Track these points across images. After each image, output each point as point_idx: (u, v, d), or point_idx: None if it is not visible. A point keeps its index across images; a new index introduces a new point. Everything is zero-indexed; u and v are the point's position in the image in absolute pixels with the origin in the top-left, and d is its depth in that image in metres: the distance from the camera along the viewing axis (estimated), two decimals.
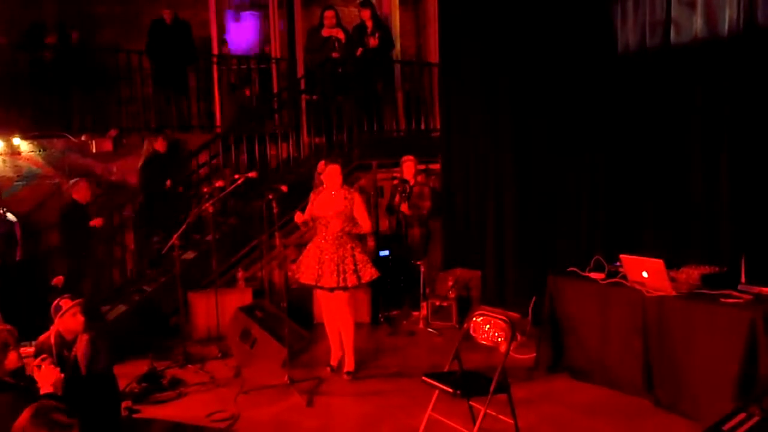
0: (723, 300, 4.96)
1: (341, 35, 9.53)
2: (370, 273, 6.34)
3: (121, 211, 8.24)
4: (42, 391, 4.28)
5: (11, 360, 4.31)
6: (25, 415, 3.14)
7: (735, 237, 5.62)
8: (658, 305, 5.23)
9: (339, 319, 6.44)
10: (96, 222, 7.74)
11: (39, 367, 4.45)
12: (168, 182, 8.59)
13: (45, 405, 3.25)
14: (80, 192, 7.79)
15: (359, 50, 9.48)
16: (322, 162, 6.64)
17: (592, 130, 6.85)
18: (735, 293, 5.01)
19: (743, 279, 5.16)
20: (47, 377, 4.30)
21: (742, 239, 5.50)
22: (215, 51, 10.60)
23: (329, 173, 6.34)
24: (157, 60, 9.80)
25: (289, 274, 6.86)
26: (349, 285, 6.25)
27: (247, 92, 10.67)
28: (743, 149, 5.62)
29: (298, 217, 6.44)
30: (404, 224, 8.20)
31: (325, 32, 9.52)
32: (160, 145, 8.73)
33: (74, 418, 3.16)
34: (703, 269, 5.36)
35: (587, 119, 6.88)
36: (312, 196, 6.51)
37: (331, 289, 6.26)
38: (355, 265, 6.25)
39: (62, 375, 4.40)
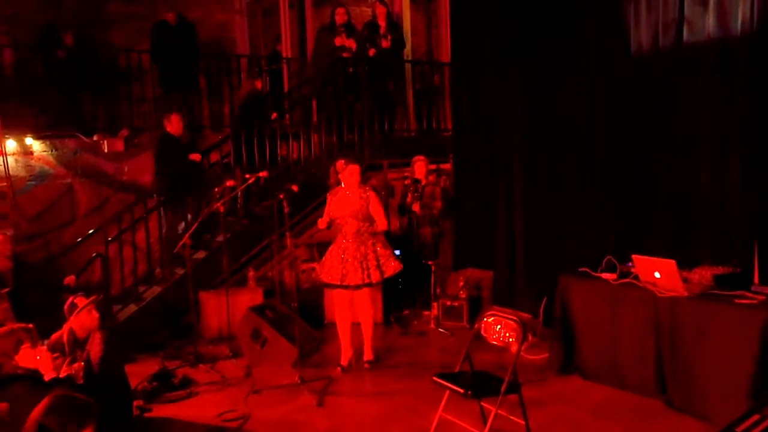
0: (736, 301, 4.92)
1: (353, 45, 9.51)
2: (393, 267, 6.44)
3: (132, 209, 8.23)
4: (46, 378, 4.31)
5: (23, 357, 4.34)
6: (45, 401, 3.17)
7: (748, 237, 5.57)
8: (671, 306, 5.20)
9: (360, 314, 6.53)
10: (195, 156, 8.20)
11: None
12: (274, 115, 8.86)
13: (62, 393, 3.29)
14: (173, 125, 8.23)
15: (371, 51, 9.47)
16: (342, 161, 6.69)
17: (604, 130, 6.82)
18: (748, 294, 4.97)
19: (756, 280, 5.13)
20: (45, 364, 4.33)
21: (754, 240, 5.46)
22: (240, 51, 10.65)
23: (349, 173, 6.41)
24: (163, 61, 9.84)
25: (313, 275, 6.91)
26: (374, 281, 6.36)
27: None
28: (756, 149, 5.58)
29: (322, 223, 6.54)
30: (416, 224, 8.19)
31: (337, 41, 9.51)
32: (260, 84, 8.96)
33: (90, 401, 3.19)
34: (716, 270, 5.33)
35: (599, 119, 6.85)
36: (329, 196, 6.58)
37: (357, 287, 6.32)
38: (378, 260, 6.35)
39: (81, 363, 4.44)
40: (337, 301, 6.59)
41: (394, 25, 9.81)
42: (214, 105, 10.65)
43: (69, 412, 3.12)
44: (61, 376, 4.40)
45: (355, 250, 6.35)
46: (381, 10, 9.60)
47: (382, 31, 9.57)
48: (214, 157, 8.98)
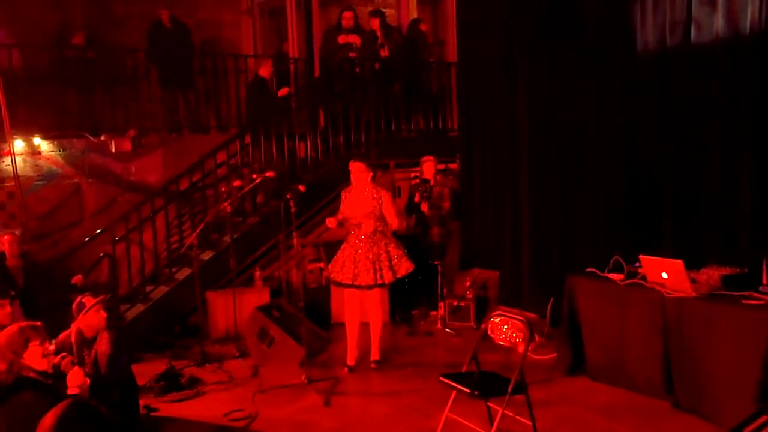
0: (744, 301, 4.91)
1: (358, 40, 9.53)
2: (405, 267, 6.45)
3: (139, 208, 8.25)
4: (69, 392, 4.32)
5: (32, 355, 4.34)
6: (57, 409, 3.15)
7: (756, 237, 5.56)
8: (678, 306, 5.19)
9: (369, 314, 6.54)
10: (282, 91, 9.16)
11: (58, 364, 4.50)
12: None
13: (76, 401, 3.28)
14: (266, 68, 9.16)
15: (377, 65, 9.51)
16: (351, 161, 6.72)
17: (611, 130, 6.81)
18: (756, 294, 4.95)
19: (764, 280, 5.09)
20: (74, 379, 4.34)
21: (762, 240, 5.44)
22: (246, 51, 10.68)
23: (354, 171, 6.45)
24: (160, 62, 9.88)
25: (325, 274, 6.93)
26: (386, 281, 6.37)
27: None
28: (764, 149, 5.56)
29: (331, 222, 6.53)
30: (425, 224, 8.19)
31: (341, 39, 9.53)
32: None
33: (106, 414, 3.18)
34: (724, 270, 5.30)
35: (606, 118, 6.84)
36: (343, 194, 6.62)
37: (369, 287, 6.34)
38: (390, 261, 6.36)
39: (88, 380, 4.44)
40: (347, 301, 6.60)
41: (391, 30, 9.83)
42: (221, 106, 10.65)
43: (83, 424, 3.10)
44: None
45: (367, 250, 6.37)
46: (375, 22, 9.66)
47: (379, 41, 9.59)
48: (221, 157, 8.96)
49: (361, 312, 6.60)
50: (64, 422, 3.03)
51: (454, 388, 4.66)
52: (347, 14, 9.67)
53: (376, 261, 6.34)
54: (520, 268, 7.96)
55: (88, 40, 9.52)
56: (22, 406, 3.96)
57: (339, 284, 6.60)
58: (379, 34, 9.63)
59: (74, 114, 9.29)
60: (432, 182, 8.20)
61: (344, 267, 6.43)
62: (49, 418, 3.05)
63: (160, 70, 10.00)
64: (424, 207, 8.06)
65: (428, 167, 8.25)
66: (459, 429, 4.90)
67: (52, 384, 4.30)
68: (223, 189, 7.81)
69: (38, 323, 4.49)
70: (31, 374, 4.28)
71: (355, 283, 6.38)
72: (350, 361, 6.61)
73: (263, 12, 11.74)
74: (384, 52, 9.54)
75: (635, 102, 6.55)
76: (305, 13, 10.49)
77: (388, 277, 6.36)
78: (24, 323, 4.50)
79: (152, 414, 5.68)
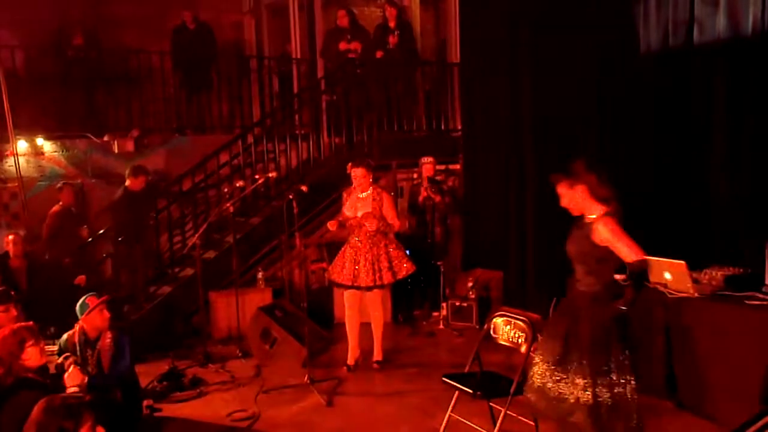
0: (747, 302, 4.91)
1: (359, 47, 9.54)
2: (405, 268, 6.45)
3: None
4: (68, 391, 4.32)
5: (30, 356, 4.34)
6: (38, 407, 3.16)
7: (758, 238, 5.54)
8: (681, 307, 5.18)
9: (372, 315, 6.55)
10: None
11: (62, 365, 4.50)
12: None
13: (55, 396, 3.29)
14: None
15: (379, 53, 9.48)
16: (350, 164, 6.72)
17: (613, 130, 6.81)
18: (759, 295, 4.96)
19: (767, 280, 5.10)
20: (73, 379, 4.34)
21: (765, 240, 5.43)
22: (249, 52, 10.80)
23: (355, 176, 6.44)
24: (183, 64, 9.90)
25: (325, 275, 6.93)
26: (385, 282, 6.38)
27: None
28: (767, 148, 5.56)
29: (332, 225, 6.51)
30: (430, 223, 8.20)
31: (342, 46, 9.55)
32: None
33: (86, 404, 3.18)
34: (726, 271, 5.31)
35: (609, 118, 6.84)
36: (345, 195, 6.61)
37: (369, 288, 6.35)
38: (390, 262, 6.36)
39: (86, 378, 4.44)
40: (347, 302, 6.60)
41: (405, 25, 9.81)
42: (224, 106, 10.66)
43: (61, 416, 3.10)
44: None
45: (367, 251, 6.37)
46: (391, 12, 9.59)
47: (392, 26, 9.57)
48: (224, 157, 8.97)
49: (361, 313, 6.60)
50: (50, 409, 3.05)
51: (456, 388, 4.67)
52: (340, 13, 9.74)
53: (375, 262, 6.34)
54: (523, 268, 7.95)
55: (86, 40, 9.53)
56: (20, 406, 3.95)
57: (339, 285, 6.61)
58: (392, 23, 9.62)
59: (77, 114, 9.30)
60: (442, 177, 8.22)
61: (344, 268, 6.44)
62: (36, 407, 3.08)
63: (183, 71, 10.04)
64: (438, 199, 8.04)
65: (427, 169, 8.25)
66: (462, 429, 4.90)
67: (50, 383, 4.29)
68: (225, 189, 7.80)
69: (31, 323, 4.47)
70: (30, 375, 4.27)
71: (355, 284, 6.39)
72: (350, 360, 6.62)
73: (266, 13, 11.74)
74: (393, 39, 9.52)
75: (638, 102, 6.55)
76: (308, 13, 10.50)
77: (387, 278, 6.36)
78: (16, 324, 4.46)
79: (155, 414, 5.67)
